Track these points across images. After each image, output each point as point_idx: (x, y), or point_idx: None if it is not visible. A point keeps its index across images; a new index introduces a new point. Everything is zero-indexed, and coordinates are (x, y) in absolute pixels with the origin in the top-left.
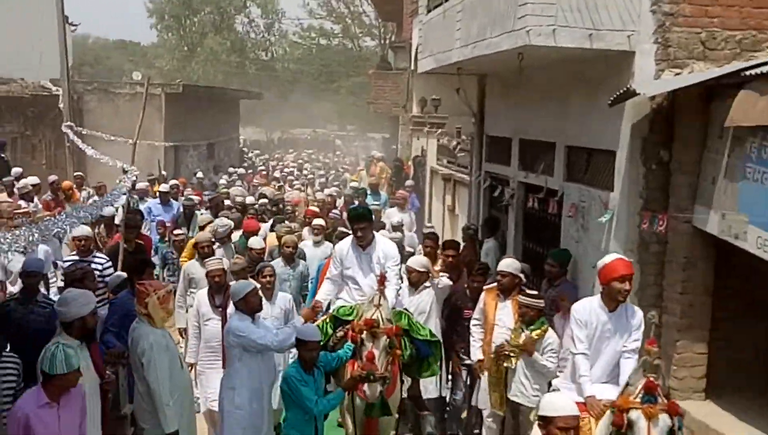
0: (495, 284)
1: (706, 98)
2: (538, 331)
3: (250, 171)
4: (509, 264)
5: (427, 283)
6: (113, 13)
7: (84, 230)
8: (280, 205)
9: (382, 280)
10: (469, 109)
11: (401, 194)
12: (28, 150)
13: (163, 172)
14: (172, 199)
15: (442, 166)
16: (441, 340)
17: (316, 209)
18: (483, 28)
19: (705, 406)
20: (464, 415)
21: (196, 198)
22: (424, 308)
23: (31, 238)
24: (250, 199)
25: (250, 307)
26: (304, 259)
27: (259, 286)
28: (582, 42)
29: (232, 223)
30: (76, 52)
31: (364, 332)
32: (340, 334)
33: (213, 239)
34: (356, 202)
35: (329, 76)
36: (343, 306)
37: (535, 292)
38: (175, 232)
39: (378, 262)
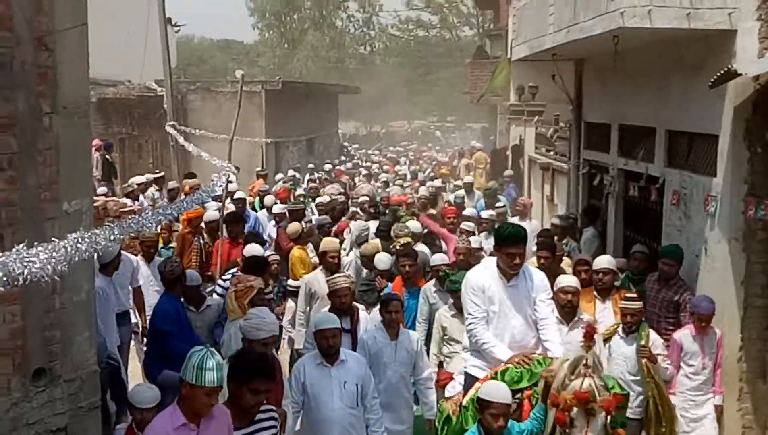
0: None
1: None
2: (644, 340)
3: (338, 166)
4: (608, 260)
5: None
6: (216, 14)
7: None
8: (380, 206)
9: (590, 333)
10: (567, 96)
11: (523, 201)
12: (135, 150)
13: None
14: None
15: (540, 155)
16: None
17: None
18: (576, 12)
19: None
20: None
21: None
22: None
23: (111, 237)
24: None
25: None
26: None
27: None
28: (679, 22)
29: (369, 226)
30: (180, 52)
31: (575, 409)
32: (512, 406)
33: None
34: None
35: (428, 67)
36: (506, 369)
37: (633, 295)
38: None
39: (527, 296)
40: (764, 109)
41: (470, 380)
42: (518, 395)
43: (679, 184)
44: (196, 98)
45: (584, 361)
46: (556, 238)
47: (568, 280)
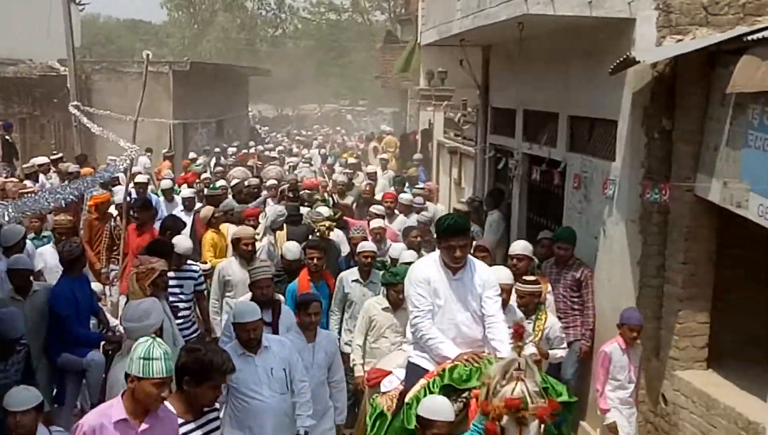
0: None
1: (708, 65)
2: (541, 322)
3: (244, 151)
4: (524, 247)
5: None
6: None
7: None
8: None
9: (518, 332)
10: (474, 81)
11: (429, 186)
12: (36, 130)
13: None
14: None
15: (449, 139)
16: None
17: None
18: None
19: (707, 375)
20: None
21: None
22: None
23: (6, 216)
24: (271, 182)
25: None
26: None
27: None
28: (581, 10)
29: (285, 212)
30: (85, 32)
31: (505, 417)
32: (457, 405)
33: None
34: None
35: (340, 51)
36: (453, 367)
37: (532, 278)
38: None
39: (472, 290)
40: (661, 96)
41: (416, 372)
42: (466, 394)
43: (580, 168)
44: (101, 78)
45: (516, 364)
46: None
47: (504, 275)
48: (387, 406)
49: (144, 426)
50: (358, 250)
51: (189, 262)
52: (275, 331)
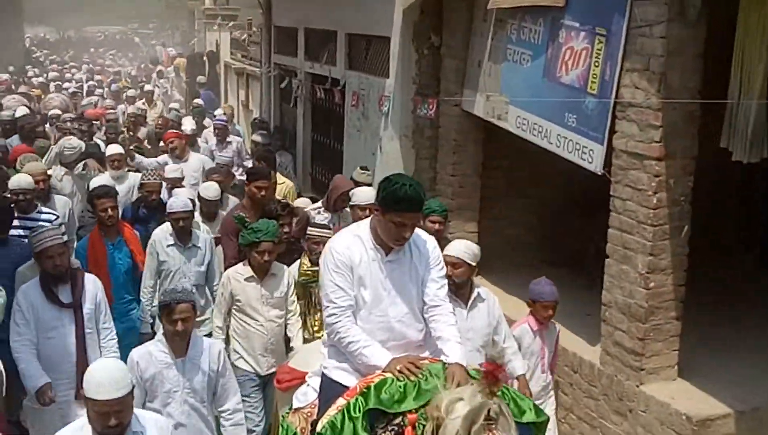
0: None
1: None
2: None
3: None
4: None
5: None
6: None
7: None
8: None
9: (493, 375)
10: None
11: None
12: None
13: None
14: None
15: (236, 60)
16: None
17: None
18: None
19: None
20: None
21: None
22: (487, 335)
23: None
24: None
25: None
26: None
27: None
28: None
29: (82, 145)
30: None
31: None
32: None
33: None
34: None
35: None
36: (383, 381)
37: (323, 223)
38: None
39: (412, 273)
40: (430, 12)
41: (333, 389)
42: (400, 420)
43: (358, 86)
44: None
45: (486, 412)
46: None
47: (456, 247)
48: (300, 427)
49: None
50: (167, 209)
51: None
52: (79, 312)
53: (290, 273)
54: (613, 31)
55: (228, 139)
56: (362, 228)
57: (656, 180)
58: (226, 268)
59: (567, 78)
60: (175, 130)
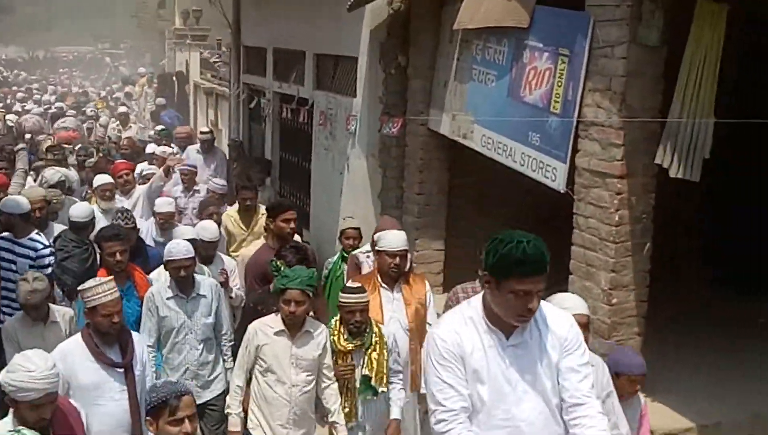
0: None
1: (439, 3)
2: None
3: None
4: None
5: None
6: None
7: None
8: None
9: None
10: (226, 20)
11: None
12: None
13: None
14: None
15: (205, 81)
16: None
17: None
18: None
19: (441, 299)
20: None
21: None
22: None
23: None
24: None
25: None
26: None
27: None
28: None
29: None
30: None
31: None
32: None
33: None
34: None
35: None
36: None
37: (357, 285)
38: None
39: (544, 360)
40: (397, 33)
41: None
42: None
43: (326, 105)
44: None
45: None
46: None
47: (574, 303)
48: None
49: None
50: (165, 257)
51: None
52: (130, 374)
53: (328, 335)
54: (576, 52)
55: (196, 188)
56: (473, 307)
57: (618, 198)
58: (244, 313)
59: (531, 97)
60: (125, 162)
